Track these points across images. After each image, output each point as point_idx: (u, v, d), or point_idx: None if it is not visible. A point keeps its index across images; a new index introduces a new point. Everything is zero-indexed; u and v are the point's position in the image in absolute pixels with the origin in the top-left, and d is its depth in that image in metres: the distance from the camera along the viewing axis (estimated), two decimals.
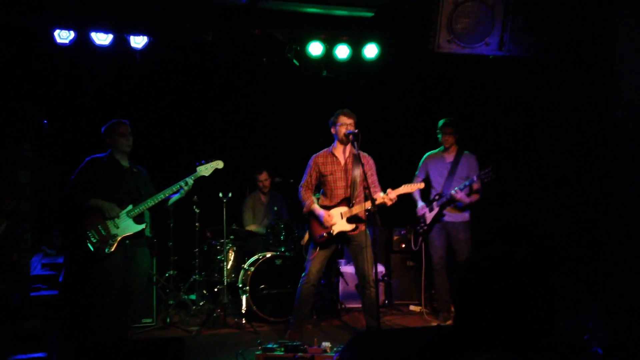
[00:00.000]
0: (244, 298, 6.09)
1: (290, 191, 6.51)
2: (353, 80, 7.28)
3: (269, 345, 4.35)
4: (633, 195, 5.22)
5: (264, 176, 7.08)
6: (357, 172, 5.16)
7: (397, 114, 7.99)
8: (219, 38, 5.88)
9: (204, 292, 6.63)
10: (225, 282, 6.06)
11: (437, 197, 6.01)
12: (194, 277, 6.48)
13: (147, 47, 5.80)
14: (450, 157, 6.08)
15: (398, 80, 7.70)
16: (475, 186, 5.89)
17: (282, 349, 4.29)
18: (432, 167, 6.14)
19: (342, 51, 6.55)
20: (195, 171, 4.89)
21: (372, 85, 7.59)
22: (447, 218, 6.00)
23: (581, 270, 5.53)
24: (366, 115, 5.62)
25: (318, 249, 5.26)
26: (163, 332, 5.79)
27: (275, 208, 6.91)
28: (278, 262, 6.16)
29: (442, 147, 6.13)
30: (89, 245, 4.54)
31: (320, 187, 5.41)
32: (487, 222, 6.15)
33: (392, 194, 5.04)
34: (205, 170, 4.93)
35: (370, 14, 6.08)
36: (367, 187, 5.01)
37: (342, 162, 5.28)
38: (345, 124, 5.18)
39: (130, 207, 4.72)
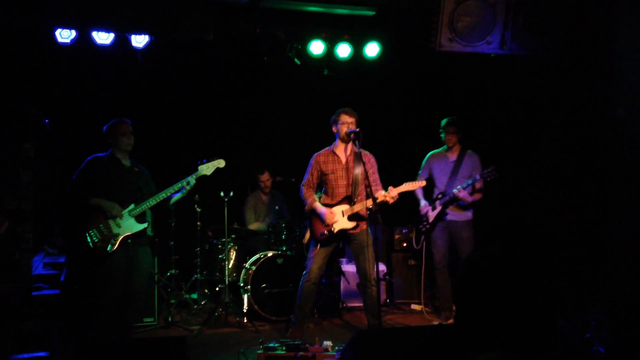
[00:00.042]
0: (245, 297, 6.09)
1: (291, 190, 6.51)
2: (354, 79, 7.27)
3: (271, 344, 4.34)
4: (634, 194, 5.21)
5: (265, 176, 7.07)
6: (359, 171, 5.16)
7: (399, 112, 7.99)
8: (220, 37, 5.88)
9: (206, 291, 6.63)
10: (226, 281, 6.07)
11: (440, 196, 6.01)
12: (196, 276, 6.48)
13: (148, 46, 5.79)
14: (453, 156, 6.08)
15: (399, 79, 7.69)
16: (478, 185, 5.88)
17: (284, 348, 4.29)
18: (435, 166, 6.13)
19: (344, 50, 6.55)
20: (197, 170, 4.89)
21: (373, 84, 7.58)
22: (450, 217, 6.00)
23: (583, 269, 5.53)
24: (367, 114, 5.61)
25: (319, 246, 5.26)
26: (164, 331, 5.79)
27: (277, 207, 6.91)
28: (279, 261, 6.15)
29: (445, 146, 6.13)
30: (91, 244, 4.55)
31: (322, 185, 5.40)
32: (489, 221, 6.14)
33: (394, 191, 5.04)
34: (207, 169, 4.92)
35: (371, 13, 6.07)
36: (368, 186, 5.00)
37: (344, 160, 5.27)
38: (346, 123, 5.18)
39: (132, 206, 4.72)
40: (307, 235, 5.50)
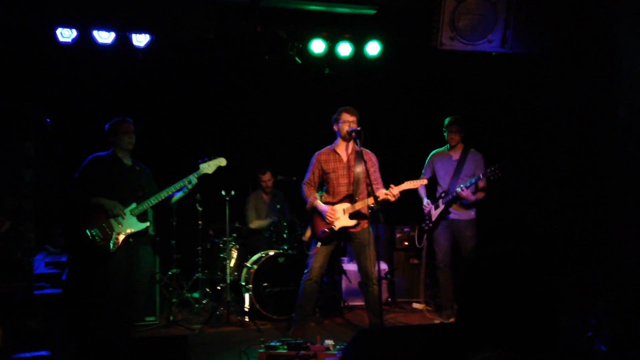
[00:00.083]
0: (246, 296, 6.10)
1: (292, 189, 6.51)
2: (355, 78, 7.27)
3: (272, 343, 4.35)
4: (635, 193, 5.21)
5: (267, 176, 7.06)
6: (360, 169, 5.16)
7: (400, 111, 7.99)
8: (221, 36, 5.88)
9: (207, 290, 6.63)
10: (228, 280, 6.07)
11: (443, 195, 6.02)
12: (197, 275, 6.48)
13: (149, 45, 5.79)
14: (456, 155, 6.08)
15: (400, 77, 7.69)
16: (481, 184, 5.89)
17: (285, 347, 4.29)
18: (438, 165, 6.14)
19: (345, 49, 6.54)
20: (198, 169, 4.89)
21: (374, 82, 7.58)
22: (452, 216, 6.00)
23: (585, 268, 5.52)
24: (368, 112, 5.61)
25: (319, 244, 5.26)
26: (166, 330, 5.80)
27: (278, 206, 6.91)
28: (281, 260, 6.16)
29: (448, 145, 6.13)
30: (93, 243, 4.55)
31: (323, 184, 5.40)
32: (491, 220, 6.15)
33: (395, 190, 5.03)
34: (208, 167, 4.92)
35: (372, 12, 6.07)
36: (369, 184, 5.00)
37: (345, 159, 5.27)
38: (347, 122, 5.17)
39: (133, 205, 4.72)
40: (308, 232, 5.49)
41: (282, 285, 6.05)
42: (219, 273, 6.44)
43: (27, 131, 5.10)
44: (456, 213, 6.01)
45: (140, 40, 5.73)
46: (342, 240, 5.48)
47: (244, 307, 6.10)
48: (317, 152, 5.38)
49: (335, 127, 5.30)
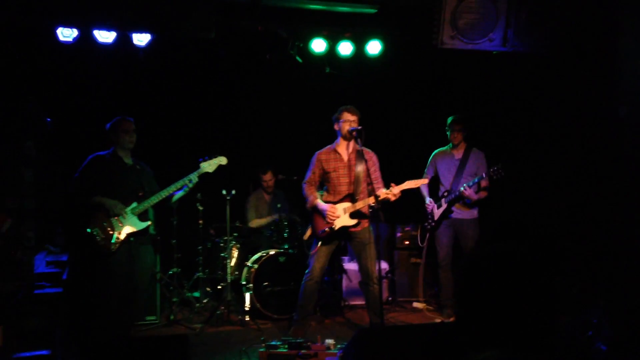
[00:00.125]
0: (247, 295, 6.10)
1: (293, 189, 6.50)
2: (356, 77, 7.26)
3: (273, 343, 4.34)
4: (637, 192, 5.20)
5: (268, 176, 7.05)
6: (361, 169, 5.15)
7: (400, 110, 7.98)
8: (222, 35, 5.87)
9: (208, 289, 6.63)
10: (228, 279, 6.07)
11: (445, 194, 6.02)
12: (198, 274, 6.48)
13: (150, 44, 5.80)
14: (459, 154, 6.08)
15: (401, 76, 7.69)
16: (484, 183, 5.88)
17: (286, 346, 4.29)
18: (441, 164, 6.14)
19: (345, 48, 6.54)
20: (199, 167, 4.89)
21: (375, 81, 7.58)
22: (455, 215, 6.00)
23: (586, 267, 5.52)
24: (369, 111, 5.60)
25: (320, 244, 5.26)
26: (167, 329, 5.80)
27: (279, 205, 6.91)
28: (281, 259, 6.15)
29: (450, 144, 6.13)
30: (93, 242, 4.55)
31: (324, 183, 5.40)
32: (493, 220, 6.14)
33: (396, 189, 5.02)
34: (209, 166, 4.92)
35: (373, 10, 6.06)
36: (370, 183, 4.99)
37: (346, 158, 5.27)
38: (348, 121, 5.17)
39: (134, 204, 4.72)
40: (308, 232, 5.49)
41: (282, 284, 6.05)
42: (220, 272, 6.43)
43: (27, 130, 5.11)
44: (459, 212, 6.00)
45: (141, 39, 5.73)
46: (342, 240, 5.47)
47: (245, 306, 6.10)
48: (318, 152, 5.38)
49: (336, 127, 5.29)
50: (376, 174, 5.29)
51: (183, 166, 5.03)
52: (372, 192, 4.92)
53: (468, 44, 5.60)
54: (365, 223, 5.24)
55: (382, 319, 5.03)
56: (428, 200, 6.13)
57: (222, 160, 4.99)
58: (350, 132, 5.12)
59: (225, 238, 6.32)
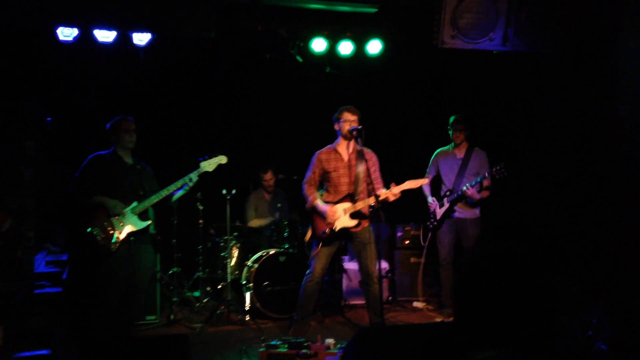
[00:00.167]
0: (247, 295, 6.09)
1: (294, 188, 6.50)
2: (356, 77, 7.26)
3: (273, 342, 4.34)
4: (637, 192, 5.20)
5: (268, 175, 7.05)
6: (361, 169, 5.15)
7: (401, 110, 7.98)
8: (222, 35, 5.88)
9: (208, 289, 6.63)
10: (228, 279, 6.07)
11: (447, 193, 6.02)
12: (198, 274, 6.48)
13: (150, 44, 5.79)
14: (461, 154, 6.08)
15: (402, 76, 7.68)
16: (486, 183, 5.89)
17: (286, 346, 4.29)
18: (443, 163, 6.14)
19: (346, 47, 6.54)
20: (199, 167, 4.88)
21: (375, 81, 7.57)
22: (457, 214, 6.01)
23: (586, 267, 5.52)
24: (370, 111, 5.60)
25: (321, 245, 5.25)
26: (167, 329, 5.79)
27: (279, 205, 6.91)
28: (282, 258, 6.15)
29: (452, 144, 6.13)
30: (94, 242, 4.55)
31: (324, 183, 5.40)
32: (493, 219, 6.14)
33: (396, 189, 5.02)
34: (209, 165, 4.92)
35: (373, 10, 6.06)
36: (370, 183, 4.99)
37: (346, 158, 5.26)
38: (348, 121, 5.16)
39: (134, 203, 4.72)
40: (309, 233, 5.48)
41: (282, 284, 6.05)
42: (220, 272, 6.43)
43: (28, 130, 5.11)
44: (461, 212, 6.01)
45: (141, 39, 5.73)
46: (343, 240, 5.47)
47: (245, 306, 6.10)
48: (318, 151, 5.37)
49: (336, 126, 5.28)
50: (376, 174, 5.29)
51: (183, 165, 5.02)
52: (371, 192, 4.92)
53: (468, 43, 5.60)
54: (366, 223, 5.24)
55: (382, 318, 5.03)
56: (430, 199, 6.14)
57: (222, 160, 4.98)
58: (350, 131, 5.12)
59: (226, 237, 6.32)
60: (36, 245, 5.28)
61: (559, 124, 6.21)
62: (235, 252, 6.60)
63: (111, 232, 4.59)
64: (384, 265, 6.72)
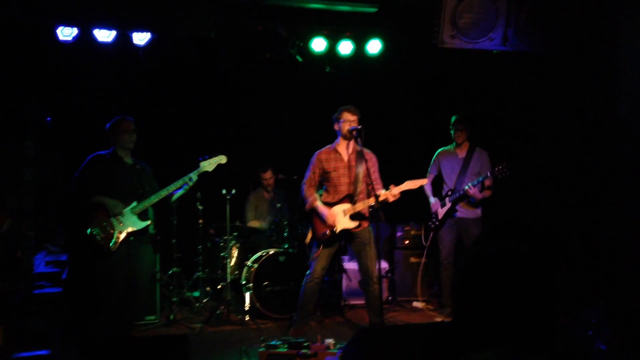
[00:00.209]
0: (247, 295, 6.09)
1: (293, 188, 6.50)
2: (356, 77, 7.26)
3: (273, 342, 4.34)
4: (637, 191, 5.20)
5: (268, 174, 7.05)
6: (361, 169, 5.14)
7: (401, 110, 7.98)
8: (221, 34, 5.88)
9: (208, 289, 6.63)
10: (228, 279, 6.06)
11: (449, 193, 6.03)
12: (198, 274, 6.48)
13: (150, 43, 5.79)
14: (462, 153, 6.08)
15: (401, 76, 7.68)
16: (487, 182, 5.89)
17: (286, 346, 4.29)
18: (445, 163, 6.15)
19: (346, 47, 6.54)
20: (199, 166, 4.88)
21: (375, 81, 7.57)
22: (459, 214, 6.01)
23: (586, 267, 5.51)
24: (369, 111, 5.60)
25: (321, 247, 5.25)
26: (166, 329, 5.79)
27: (279, 205, 6.91)
28: (281, 258, 6.15)
29: (454, 143, 6.13)
30: (93, 242, 4.55)
31: (324, 183, 5.39)
32: (494, 219, 6.14)
33: (395, 190, 5.02)
34: (209, 165, 4.91)
35: (373, 10, 6.06)
36: (370, 184, 4.99)
37: (346, 158, 5.26)
38: (348, 121, 5.16)
39: (134, 203, 4.72)
40: (309, 235, 5.47)
41: (282, 284, 6.05)
42: (220, 272, 6.43)
43: (27, 130, 5.11)
44: (463, 211, 6.01)
45: (141, 38, 5.73)
46: (343, 240, 5.47)
47: (245, 306, 6.09)
48: (318, 151, 5.37)
49: (336, 126, 5.28)
50: (375, 175, 5.29)
51: (183, 165, 5.02)
52: (371, 193, 4.92)
53: (468, 43, 5.60)
54: (365, 223, 5.24)
55: (382, 318, 5.03)
56: (433, 200, 6.14)
57: (222, 159, 4.98)
58: (350, 131, 5.11)
59: (225, 237, 6.31)
60: (36, 245, 5.28)
61: (559, 123, 6.21)
62: (235, 252, 6.60)
63: (111, 232, 4.59)
64: (384, 265, 6.72)
